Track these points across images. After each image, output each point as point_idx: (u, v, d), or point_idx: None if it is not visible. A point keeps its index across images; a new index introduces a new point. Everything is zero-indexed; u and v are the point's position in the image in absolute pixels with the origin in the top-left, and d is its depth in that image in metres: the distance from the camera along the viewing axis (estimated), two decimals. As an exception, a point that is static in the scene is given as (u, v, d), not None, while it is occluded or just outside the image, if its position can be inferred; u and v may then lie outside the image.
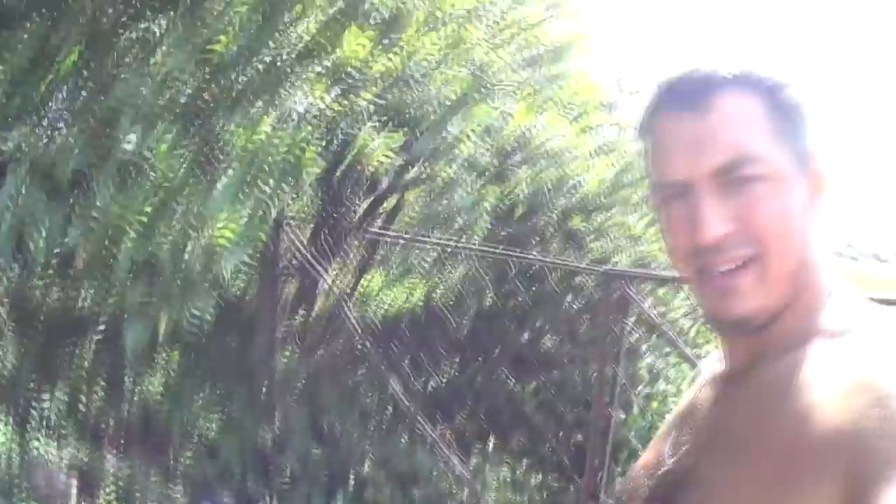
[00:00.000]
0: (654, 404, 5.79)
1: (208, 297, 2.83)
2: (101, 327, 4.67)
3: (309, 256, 4.74)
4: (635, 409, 5.48)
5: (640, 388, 5.60)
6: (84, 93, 2.76)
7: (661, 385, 5.93)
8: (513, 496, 4.97)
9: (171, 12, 3.07)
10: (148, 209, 2.62)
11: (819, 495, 0.80)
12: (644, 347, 5.56)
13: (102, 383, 4.48)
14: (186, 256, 2.72)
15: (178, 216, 2.69)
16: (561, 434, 5.69)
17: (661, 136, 1.04)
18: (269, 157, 3.03)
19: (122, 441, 4.45)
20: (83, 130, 2.56)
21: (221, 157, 2.98)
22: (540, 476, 5.32)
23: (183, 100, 2.77)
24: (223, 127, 2.95)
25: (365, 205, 6.84)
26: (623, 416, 5.10)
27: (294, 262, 4.91)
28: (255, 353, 4.81)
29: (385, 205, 7.07)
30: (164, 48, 2.70)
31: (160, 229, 2.65)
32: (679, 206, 1.01)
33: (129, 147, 2.53)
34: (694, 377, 1.32)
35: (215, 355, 5.26)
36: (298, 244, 4.73)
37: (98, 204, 2.47)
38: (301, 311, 6.00)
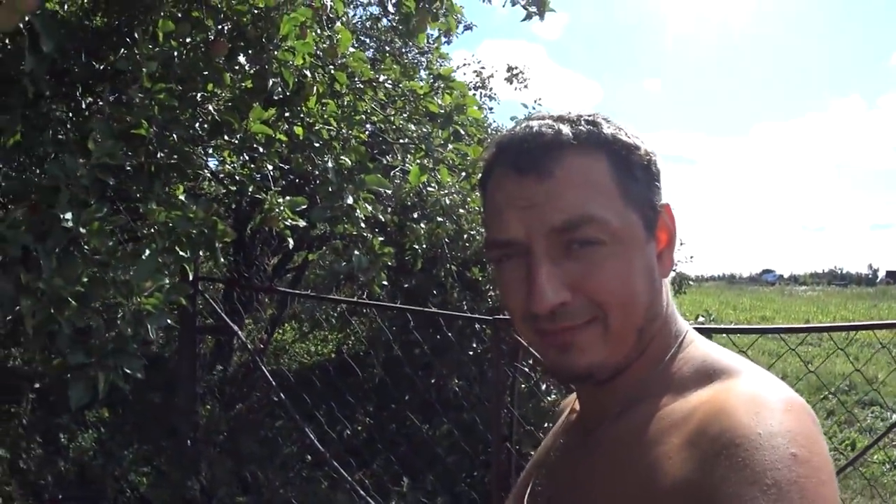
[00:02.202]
0: (563, 439, 5.94)
1: (139, 359, 3.07)
2: (37, 387, 4.88)
3: (223, 314, 4.95)
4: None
5: (548, 424, 5.76)
6: (25, 173, 3.04)
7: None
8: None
9: (98, 99, 3.38)
10: (84, 280, 2.86)
11: None
12: (544, 387, 5.77)
13: (39, 440, 4.65)
14: (119, 322, 2.97)
15: (110, 286, 2.93)
16: (476, 471, 5.87)
17: (500, 194, 1.03)
18: (187, 230, 3.30)
19: (61, 497, 4.59)
20: (26, 207, 2.81)
21: (145, 230, 3.25)
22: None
23: (112, 181, 3.04)
24: (146, 203, 3.23)
25: (274, 263, 7.12)
26: (533, 453, 5.24)
27: (210, 320, 5.11)
28: (179, 408, 4.99)
29: (293, 263, 7.36)
30: (94, 133, 2.95)
31: (95, 298, 2.90)
32: (515, 266, 1.02)
33: (67, 224, 2.78)
34: (555, 418, 1.39)
35: (141, 411, 5.45)
36: (213, 302, 4.94)
37: (43, 276, 2.71)
38: (219, 366, 6.21)
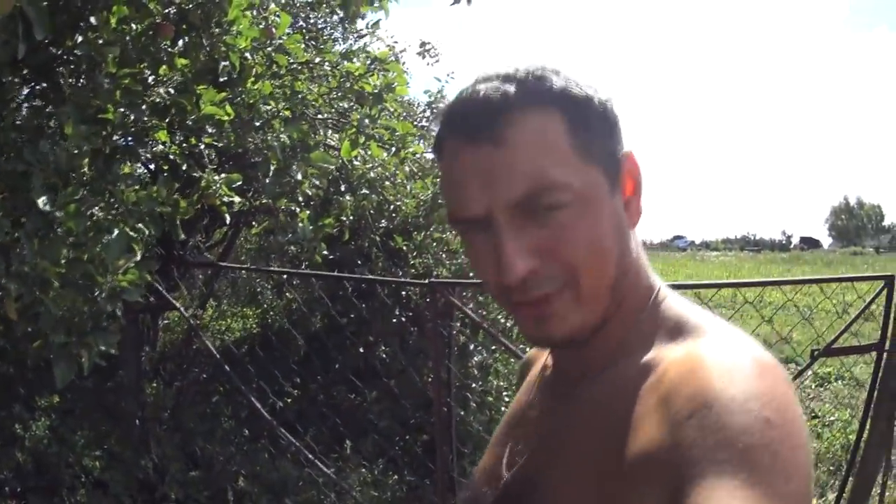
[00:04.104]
0: (490, 399, 6.13)
1: (115, 334, 3.19)
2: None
3: (164, 291, 5.03)
4: (473, 405, 5.84)
5: (474, 385, 5.98)
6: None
7: (493, 381, 6.30)
8: (376, 494, 5.32)
9: (67, 85, 3.46)
10: (63, 261, 2.97)
11: None
12: (472, 347, 6.02)
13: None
14: (98, 300, 3.09)
15: (88, 265, 3.04)
16: (409, 435, 6.07)
17: (455, 167, 1.00)
18: (152, 209, 3.43)
19: (20, 490, 4.62)
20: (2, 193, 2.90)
21: (114, 211, 3.36)
22: (396, 475, 5.69)
23: (84, 162, 3.14)
24: (113, 185, 3.34)
25: (199, 240, 7.14)
26: (462, 412, 5.44)
27: (151, 298, 5.16)
28: (125, 388, 5.07)
29: (226, 238, 7.42)
30: (66, 118, 3.05)
31: (76, 278, 3.01)
32: (482, 239, 0.99)
33: (45, 208, 2.88)
34: (520, 371, 1.38)
35: (88, 394, 5.48)
36: (153, 281, 4.99)
37: (27, 259, 2.81)
38: (158, 343, 6.27)
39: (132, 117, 3.57)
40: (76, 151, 3.03)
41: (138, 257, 3.22)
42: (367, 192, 6.01)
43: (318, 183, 4.25)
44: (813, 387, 9.75)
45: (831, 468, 6.77)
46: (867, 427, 4.39)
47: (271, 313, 7.92)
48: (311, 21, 7.79)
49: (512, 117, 0.94)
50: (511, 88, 0.96)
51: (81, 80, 3.50)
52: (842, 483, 4.74)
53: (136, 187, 3.48)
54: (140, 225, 3.40)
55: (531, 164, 0.93)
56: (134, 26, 3.57)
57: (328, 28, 8.00)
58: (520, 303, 1.00)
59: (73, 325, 3.06)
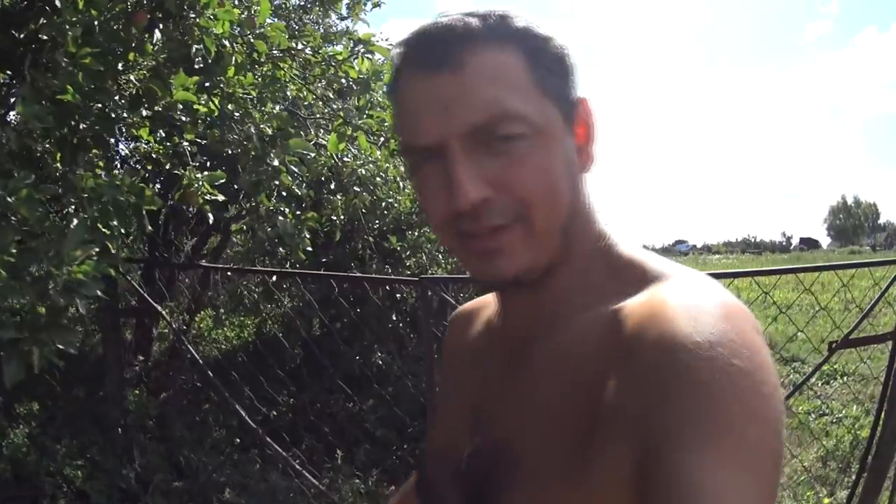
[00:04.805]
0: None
1: (74, 332, 2.98)
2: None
3: (146, 295, 4.84)
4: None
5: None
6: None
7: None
8: (370, 506, 5.13)
9: (22, 65, 3.27)
10: (13, 251, 2.77)
11: (613, 465, 0.79)
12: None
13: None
14: (51, 294, 2.87)
15: (41, 256, 2.83)
16: (406, 444, 5.87)
17: (409, 96, 0.96)
18: (114, 197, 3.21)
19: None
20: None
21: (73, 199, 3.16)
22: (393, 486, 5.46)
23: (39, 147, 2.95)
24: (72, 171, 3.13)
25: (190, 245, 6.99)
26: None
27: (133, 303, 4.99)
28: (107, 396, 4.88)
29: (211, 241, 7.26)
30: (19, 99, 2.85)
31: (26, 269, 2.80)
32: (433, 170, 0.96)
33: (-6, 193, 2.67)
34: (454, 328, 1.37)
35: (70, 402, 5.29)
36: (135, 284, 4.82)
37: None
38: (140, 356, 6.08)
39: (99, 105, 3.38)
40: (33, 133, 2.84)
41: (96, 248, 3.01)
42: (359, 189, 5.82)
43: (297, 170, 4.01)
44: (819, 385, 9.52)
45: (840, 465, 6.54)
46: (881, 420, 4.20)
47: (269, 322, 7.77)
48: (305, 24, 7.66)
49: (473, 47, 0.92)
50: (473, 21, 0.94)
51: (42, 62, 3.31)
52: (855, 478, 4.53)
53: (96, 174, 3.26)
54: (105, 217, 3.21)
55: (489, 92, 0.91)
56: (98, 11, 3.39)
57: (320, 28, 7.86)
58: (469, 234, 0.96)
59: (25, 321, 2.85)
